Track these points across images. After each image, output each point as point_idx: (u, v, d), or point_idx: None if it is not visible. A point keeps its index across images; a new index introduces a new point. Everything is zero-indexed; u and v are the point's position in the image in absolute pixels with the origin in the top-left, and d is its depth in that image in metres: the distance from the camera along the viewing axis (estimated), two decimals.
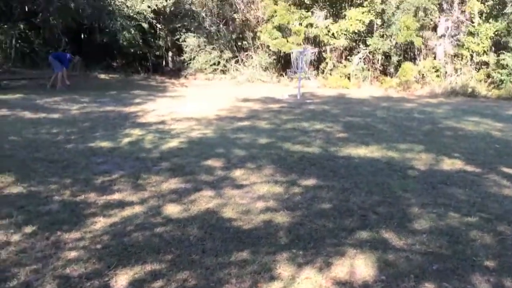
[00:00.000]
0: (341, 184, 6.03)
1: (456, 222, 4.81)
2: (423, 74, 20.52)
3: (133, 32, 21.34)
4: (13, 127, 9.31)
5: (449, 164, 7.30)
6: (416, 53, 21.78)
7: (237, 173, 6.45)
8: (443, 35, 21.07)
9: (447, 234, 4.50)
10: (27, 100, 13.44)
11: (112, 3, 18.30)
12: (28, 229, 4.36)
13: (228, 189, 5.72)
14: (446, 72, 20.79)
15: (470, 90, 19.20)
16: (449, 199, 5.54)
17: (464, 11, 20.89)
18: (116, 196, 5.35)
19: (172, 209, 4.98)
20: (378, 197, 5.55)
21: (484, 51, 20.11)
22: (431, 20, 21.14)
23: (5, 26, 23.06)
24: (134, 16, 19.49)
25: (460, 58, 20.74)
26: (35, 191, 5.45)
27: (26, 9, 22.16)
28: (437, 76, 20.57)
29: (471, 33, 20.22)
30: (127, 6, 18.87)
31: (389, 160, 7.43)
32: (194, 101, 14.53)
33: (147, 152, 7.53)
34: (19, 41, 24.20)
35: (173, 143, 8.16)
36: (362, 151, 7.95)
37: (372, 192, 5.72)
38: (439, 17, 21.22)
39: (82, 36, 25.71)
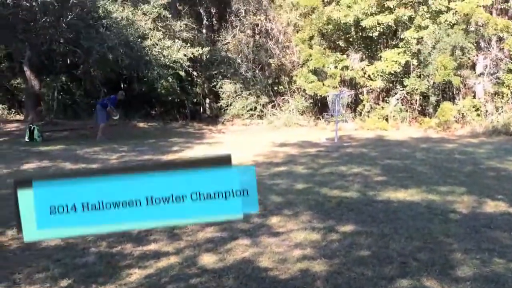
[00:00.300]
0: (380, 229, 5.89)
1: (501, 269, 4.62)
2: (463, 114, 20.16)
3: (170, 80, 21.74)
4: None
5: (493, 206, 7.06)
6: (454, 93, 21.50)
7: (274, 220, 6.38)
8: (482, 73, 20.78)
9: (493, 281, 4.31)
10: (68, 151, 13.73)
11: (149, 53, 18.72)
12: (64, 283, 4.36)
13: (264, 237, 5.65)
14: (486, 111, 20.37)
15: None
16: (493, 243, 5.34)
17: (503, 48, 20.62)
18: (152, 247, 5.34)
19: (208, 259, 4.93)
20: (418, 242, 5.38)
21: None
22: (469, 58, 20.89)
23: (48, 79, 23.87)
24: (171, 64, 19.89)
25: (500, 96, 20.33)
26: (72, 243, 5.47)
27: (68, 62, 22.90)
28: (478, 115, 20.17)
29: (510, 71, 19.91)
30: (163, 56, 19.27)
31: (430, 203, 7.25)
32: (231, 147, 14.58)
33: None
34: (61, 93, 24.98)
35: None
36: (401, 195, 7.78)
37: (412, 237, 5.56)
38: (477, 55, 20.98)
39: (122, 86, 26.32)
